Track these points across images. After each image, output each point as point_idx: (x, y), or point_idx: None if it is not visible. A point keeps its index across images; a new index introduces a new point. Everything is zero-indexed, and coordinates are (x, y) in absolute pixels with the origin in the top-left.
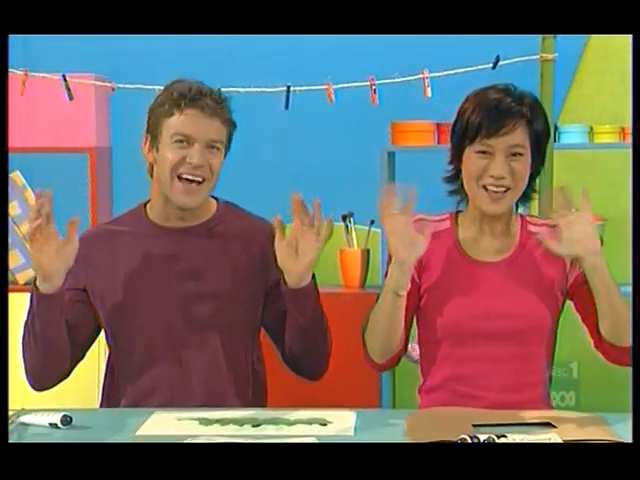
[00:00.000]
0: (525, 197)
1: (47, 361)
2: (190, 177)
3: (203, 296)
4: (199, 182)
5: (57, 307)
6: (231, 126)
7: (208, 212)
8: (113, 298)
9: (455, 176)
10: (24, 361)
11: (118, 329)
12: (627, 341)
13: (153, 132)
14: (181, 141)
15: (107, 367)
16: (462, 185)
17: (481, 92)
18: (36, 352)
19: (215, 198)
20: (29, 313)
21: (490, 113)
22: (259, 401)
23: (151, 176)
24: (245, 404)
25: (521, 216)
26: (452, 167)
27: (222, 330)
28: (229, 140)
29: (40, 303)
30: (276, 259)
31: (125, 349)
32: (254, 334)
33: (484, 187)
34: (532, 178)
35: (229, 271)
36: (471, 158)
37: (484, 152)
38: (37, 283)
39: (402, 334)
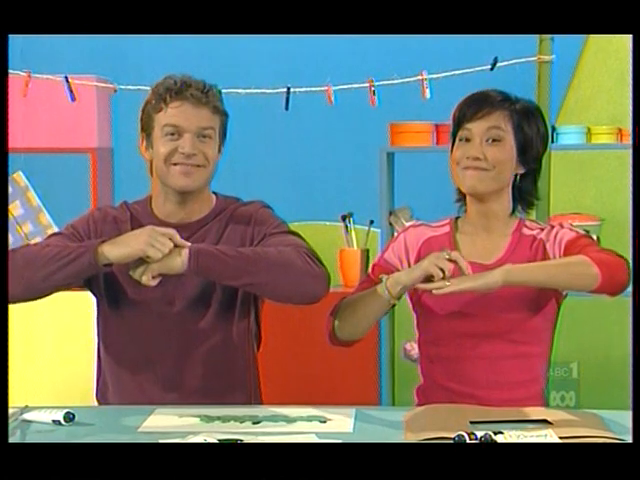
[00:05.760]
0: (523, 202)
1: (30, 296)
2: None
3: (203, 290)
4: (196, 166)
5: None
6: (222, 114)
7: (207, 208)
8: (114, 283)
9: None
10: (13, 276)
11: (113, 317)
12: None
13: (146, 130)
14: (172, 133)
15: (98, 367)
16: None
17: (475, 92)
18: (29, 283)
19: (215, 194)
20: (64, 257)
21: (473, 102)
22: (255, 398)
23: (151, 174)
24: (241, 399)
25: (520, 219)
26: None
27: (221, 323)
28: (223, 129)
29: (86, 269)
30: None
31: (120, 342)
32: (252, 326)
33: (465, 169)
34: (526, 179)
35: None
36: (456, 146)
37: (466, 139)
38: (106, 250)
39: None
